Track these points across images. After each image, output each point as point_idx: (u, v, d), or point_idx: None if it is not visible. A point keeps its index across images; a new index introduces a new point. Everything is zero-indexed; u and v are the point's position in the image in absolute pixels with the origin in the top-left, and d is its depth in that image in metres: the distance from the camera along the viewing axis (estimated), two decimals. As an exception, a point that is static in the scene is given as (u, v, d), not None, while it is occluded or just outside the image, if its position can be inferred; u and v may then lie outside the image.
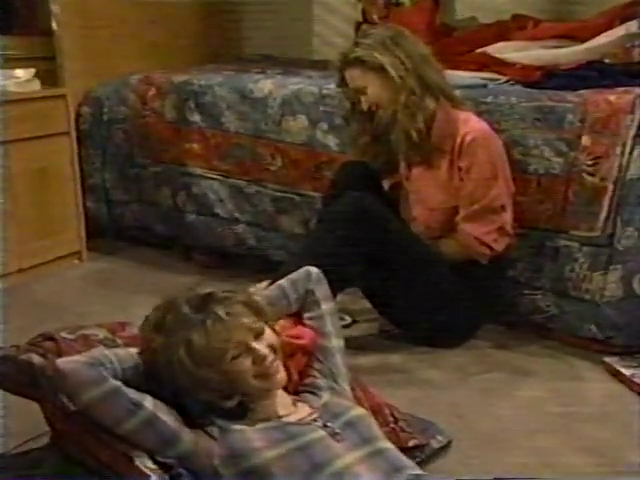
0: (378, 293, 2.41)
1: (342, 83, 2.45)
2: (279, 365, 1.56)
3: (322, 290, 1.83)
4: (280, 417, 1.55)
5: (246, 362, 1.50)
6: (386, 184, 2.63)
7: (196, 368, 1.48)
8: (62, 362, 1.46)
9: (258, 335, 1.54)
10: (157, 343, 1.51)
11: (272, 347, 1.55)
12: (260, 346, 1.52)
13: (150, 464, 1.44)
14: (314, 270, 1.84)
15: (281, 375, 1.56)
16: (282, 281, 1.84)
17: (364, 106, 2.40)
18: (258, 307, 1.59)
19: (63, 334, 1.68)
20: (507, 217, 2.34)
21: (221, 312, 1.50)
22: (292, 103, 2.86)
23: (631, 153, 2.26)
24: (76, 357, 1.48)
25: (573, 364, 2.34)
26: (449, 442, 1.86)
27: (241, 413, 1.54)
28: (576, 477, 1.76)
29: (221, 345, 1.48)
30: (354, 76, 2.38)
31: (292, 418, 1.55)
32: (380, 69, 2.32)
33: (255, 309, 1.57)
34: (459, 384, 2.22)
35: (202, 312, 1.51)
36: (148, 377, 1.51)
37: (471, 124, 2.34)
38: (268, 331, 1.57)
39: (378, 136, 2.45)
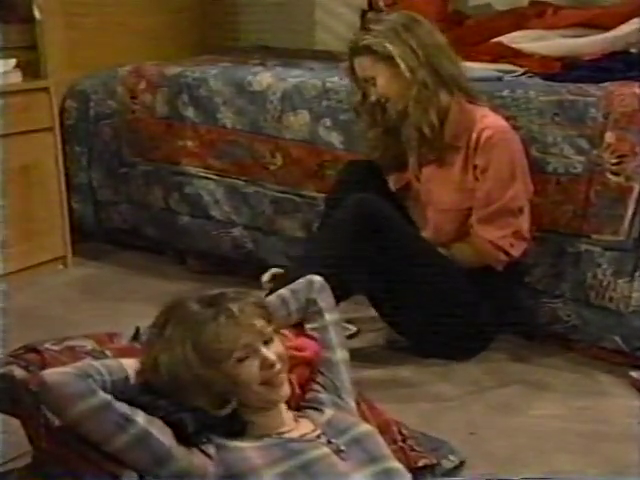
0: (385, 301, 2.42)
1: (352, 71, 2.45)
2: (284, 377, 1.58)
3: (325, 300, 1.85)
4: (281, 433, 1.56)
5: (253, 366, 1.53)
6: (392, 183, 2.63)
7: (201, 365, 1.50)
8: (47, 374, 1.46)
9: (267, 342, 1.57)
10: (163, 338, 1.53)
11: (280, 357, 1.57)
12: (269, 353, 1.55)
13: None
14: (317, 279, 1.86)
15: (285, 388, 1.58)
16: (283, 290, 1.85)
17: (373, 98, 2.41)
18: (269, 312, 1.62)
19: (47, 345, 1.69)
20: (524, 220, 2.35)
21: (235, 309, 1.54)
22: (293, 97, 2.87)
23: (659, 151, 2.27)
24: (62, 368, 1.49)
25: (596, 378, 2.34)
26: (462, 462, 1.86)
27: (239, 429, 1.55)
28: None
29: (230, 344, 1.51)
30: (363, 65, 2.39)
31: (294, 434, 1.56)
32: (390, 59, 2.32)
33: (266, 314, 1.60)
34: (472, 399, 2.23)
35: (214, 307, 1.54)
36: (143, 389, 1.52)
37: (488, 120, 2.35)
38: (277, 340, 1.60)
39: (389, 129, 2.45)
